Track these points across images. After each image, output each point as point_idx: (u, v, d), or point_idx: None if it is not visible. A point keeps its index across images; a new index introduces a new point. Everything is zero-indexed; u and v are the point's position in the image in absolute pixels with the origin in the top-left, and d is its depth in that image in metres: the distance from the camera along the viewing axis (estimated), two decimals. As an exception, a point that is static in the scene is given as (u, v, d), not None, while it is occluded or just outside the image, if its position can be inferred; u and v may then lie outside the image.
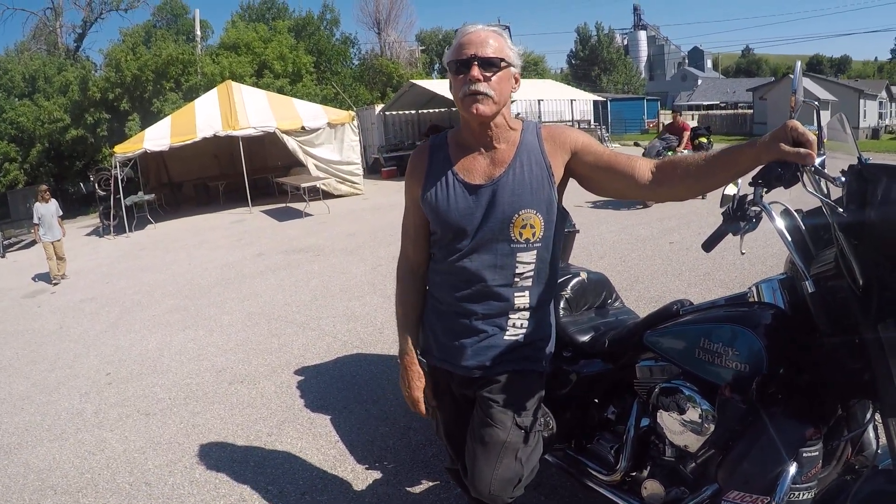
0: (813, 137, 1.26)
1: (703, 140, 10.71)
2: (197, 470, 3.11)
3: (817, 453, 1.43)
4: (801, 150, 1.24)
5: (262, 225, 11.67)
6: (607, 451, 2.03)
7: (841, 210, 1.34)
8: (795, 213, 1.59)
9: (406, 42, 36.85)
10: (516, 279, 1.64)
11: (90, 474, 3.21)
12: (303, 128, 13.43)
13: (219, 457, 3.22)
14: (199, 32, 23.91)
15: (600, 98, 26.42)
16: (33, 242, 9.84)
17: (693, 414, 1.64)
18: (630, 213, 8.68)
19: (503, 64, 1.52)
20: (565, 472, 2.20)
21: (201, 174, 16.37)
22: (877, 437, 1.66)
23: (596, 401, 2.18)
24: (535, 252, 1.62)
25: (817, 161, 1.29)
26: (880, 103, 30.87)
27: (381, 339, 4.69)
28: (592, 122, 23.15)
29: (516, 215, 1.58)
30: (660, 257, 6.17)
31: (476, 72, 1.49)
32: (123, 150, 12.87)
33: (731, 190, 1.54)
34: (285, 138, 13.25)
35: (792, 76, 1.40)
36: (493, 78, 1.51)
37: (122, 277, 8.42)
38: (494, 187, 1.58)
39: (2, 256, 12.29)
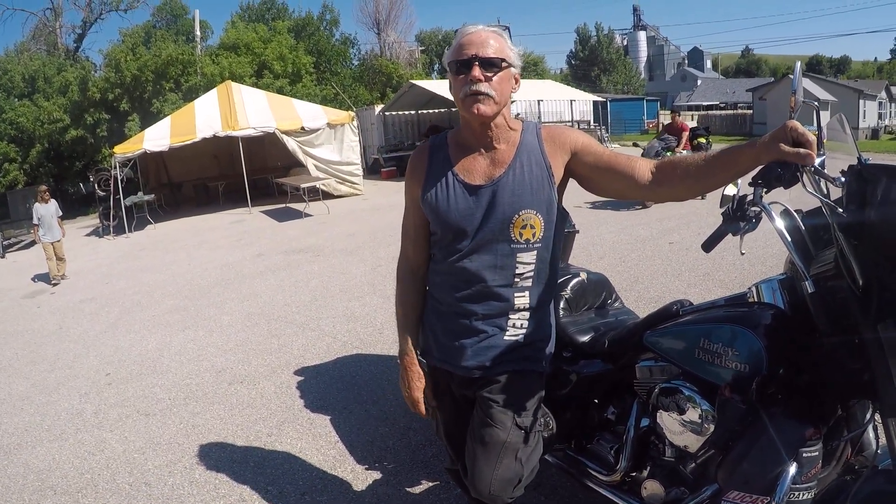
0: (812, 138, 1.26)
1: (702, 140, 10.72)
2: (197, 470, 3.11)
3: (817, 453, 1.43)
4: (801, 150, 1.25)
5: (261, 225, 11.67)
6: (607, 451, 2.03)
7: (841, 210, 1.34)
8: (795, 214, 1.59)
9: (406, 42, 36.91)
10: (516, 279, 1.64)
11: (90, 475, 3.21)
12: (302, 128, 13.44)
13: (218, 457, 3.22)
14: (198, 33, 23.90)
15: (600, 98, 26.44)
16: (33, 243, 9.84)
17: (693, 414, 1.64)
18: (629, 214, 8.68)
19: (504, 64, 1.52)
20: (565, 473, 2.20)
21: (201, 174, 16.38)
22: (876, 438, 1.66)
23: (596, 401, 2.18)
24: (535, 252, 1.62)
25: (817, 161, 1.29)
26: (880, 104, 30.88)
27: (380, 339, 4.69)
28: (592, 122, 23.17)
29: (516, 216, 1.58)
30: (659, 257, 6.17)
31: (477, 72, 1.49)
32: (123, 150, 12.88)
33: (730, 190, 1.54)
34: (285, 139, 13.25)
35: (791, 76, 1.40)
36: (494, 78, 1.51)
37: (122, 278, 8.42)
38: (494, 188, 1.58)
39: (1, 257, 12.29)
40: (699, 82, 59.69)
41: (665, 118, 24.65)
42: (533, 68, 42.71)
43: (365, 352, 4.48)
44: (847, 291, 1.32)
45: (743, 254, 1.93)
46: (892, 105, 32.94)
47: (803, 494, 1.42)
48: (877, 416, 1.49)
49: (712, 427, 1.59)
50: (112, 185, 12.79)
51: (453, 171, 1.63)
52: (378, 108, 20.15)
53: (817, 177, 1.35)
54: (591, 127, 21.92)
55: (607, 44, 57.86)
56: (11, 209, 15.87)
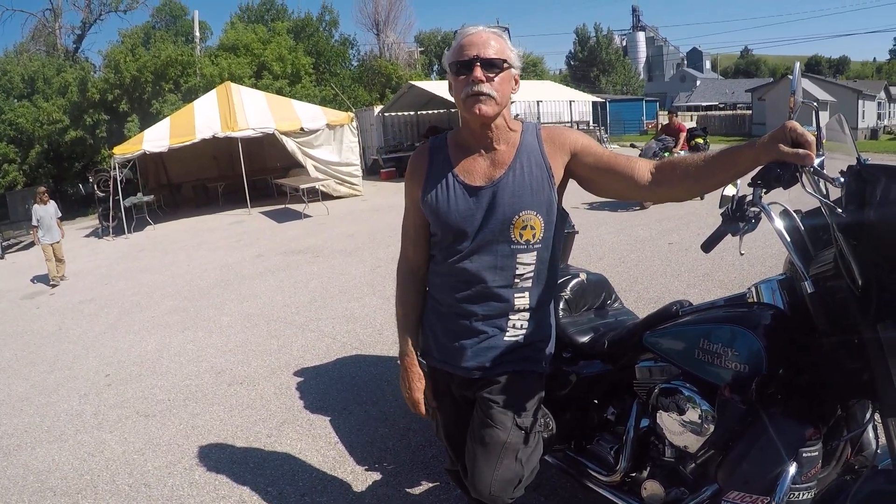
0: (812, 138, 1.26)
1: (700, 141, 10.72)
2: (196, 471, 3.11)
3: (817, 453, 1.43)
4: (800, 150, 1.25)
5: (261, 226, 11.66)
6: (607, 451, 2.03)
7: (840, 210, 1.34)
8: (794, 214, 1.59)
9: (405, 43, 36.90)
10: (516, 280, 1.64)
11: (89, 476, 3.21)
12: (302, 129, 13.44)
13: (218, 458, 3.22)
14: (197, 34, 23.93)
15: (599, 99, 26.46)
16: (32, 244, 9.84)
17: (693, 414, 1.64)
18: (628, 215, 8.69)
19: (505, 65, 1.52)
20: (565, 473, 2.20)
21: (200, 175, 16.37)
22: (876, 437, 1.66)
23: (595, 402, 2.18)
24: (535, 253, 1.63)
25: (816, 162, 1.30)
26: (879, 104, 30.88)
27: (380, 340, 4.69)
28: (591, 123, 23.19)
29: (516, 216, 1.58)
30: (659, 258, 6.17)
31: (479, 73, 1.49)
32: (122, 151, 12.87)
33: (730, 191, 1.54)
34: (284, 139, 13.25)
35: (791, 77, 1.40)
36: (496, 79, 1.51)
37: (121, 279, 8.41)
38: (495, 189, 1.59)
39: (1, 258, 12.29)
40: (698, 83, 59.68)
41: (664, 119, 24.69)
42: (532, 69, 42.73)
43: (364, 353, 4.48)
44: (846, 291, 1.32)
45: (742, 254, 1.93)
46: (891, 105, 32.95)
47: (803, 494, 1.42)
48: (876, 416, 1.49)
49: (712, 427, 1.59)
50: (111, 186, 12.78)
51: (453, 172, 1.63)
52: (377, 108, 20.15)
53: (816, 177, 1.35)
54: (591, 128, 21.94)
55: (606, 44, 57.86)
56: (11, 210, 15.87)
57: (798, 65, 1.48)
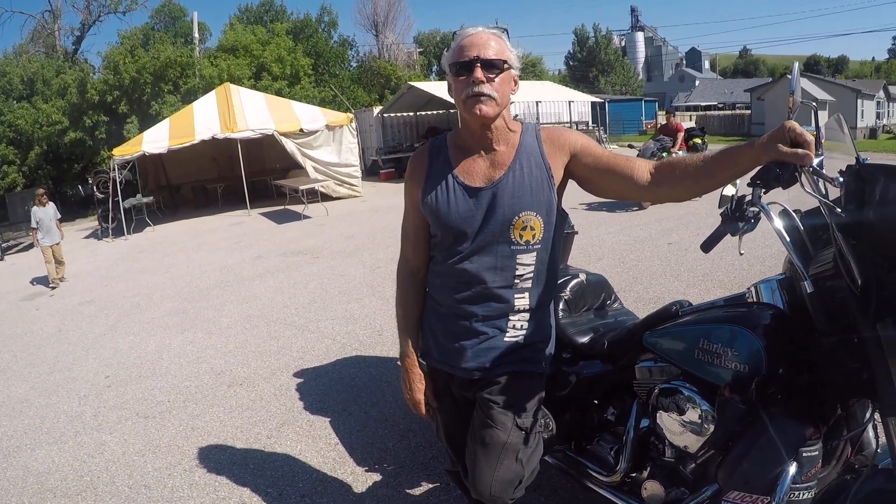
0: (811, 138, 1.26)
1: (698, 141, 10.73)
2: (196, 473, 3.11)
3: (817, 453, 1.43)
4: (799, 150, 1.25)
5: (260, 227, 11.66)
6: (607, 452, 2.03)
7: (839, 210, 1.34)
8: (794, 214, 1.59)
9: (404, 44, 36.91)
10: (516, 281, 1.64)
11: (89, 477, 3.21)
12: (301, 130, 13.44)
13: (218, 459, 3.22)
14: (197, 35, 23.91)
15: (598, 99, 26.47)
16: (32, 245, 9.82)
17: (693, 414, 1.64)
18: (626, 215, 8.69)
19: (505, 66, 1.53)
20: (565, 474, 2.20)
21: (200, 176, 16.37)
22: (876, 437, 1.66)
23: (595, 402, 2.18)
24: (534, 254, 1.63)
25: (815, 161, 1.30)
26: (878, 103, 30.88)
27: (380, 341, 4.68)
28: (590, 123, 23.18)
29: (516, 217, 1.58)
30: (658, 258, 6.17)
31: (479, 73, 1.49)
32: (122, 152, 12.87)
33: (729, 191, 1.54)
34: (283, 140, 13.26)
35: (790, 77, 1.40)
36: (496, 80, 1.51)
37: (121, 280, 8.41)
38: (494, 190, 1.59)
39: (0, 259, 12.28)
40: (697, 83, 59.73)
41: (662, 119, 24.70)
42: (531, 69, 42.73)
43: (364, 354, 4.48)
44: (846, 291, 1.32)
45: (742, 254, 1.93)
46: (890, 104, 32.95)
47: (803, 494, 1.42)
48: (876, 416, 1.49)
49: (712, 427, 1.59)
50: (111, 188, 12.79)
51: (453, 173, 1.63)
52: (376, 109, 20.17)
53: (816, 177, 1.35)
54: (590, 128, 21.95)
55: (605, 45, 57.88)
56: (10, 211, 15.85)
57: (797, 64, 1.48)
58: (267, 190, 15.61)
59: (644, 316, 2.05)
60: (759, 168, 1.35)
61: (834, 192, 1.40)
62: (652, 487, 1.81)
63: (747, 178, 1.41)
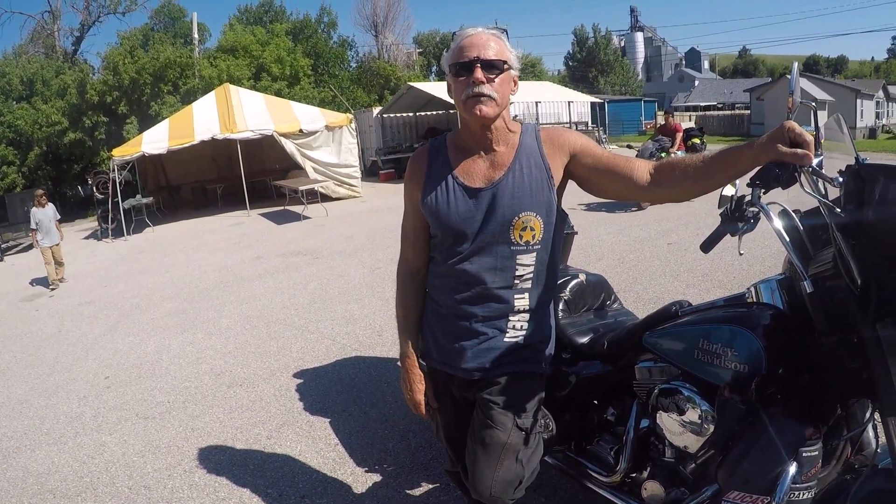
0: (810, 138, 1.27)
1: (696, 141, 10.74)
2: (196, 473, 3.10)
3: (817, 453, 1.43)
4: (799, 150, 1.25)
5: (260, 228, 11.66)
6: (607, 452, 2.03)
7: (838, 210, 1.34)
8: (793, 214, 1.60)
9: (403, 44, 36.94)
10: (516, 281, 1.64)
11: (89, 478, 3.20)
12: (301, 131, 13.44)
13: (218, 460, 3.22)
14: (196, 35, 23.93)
15: (598, 100, 26.47)
16: (31, 246, 9.82)
17: (692, 415, 1.64)
18: (626, 216, 8.69)
19: (505, 66, 1.53)
20: (565, 474, 2.20)
21: (199, 177, 16.37)
22: (876, 437, 1.66)
23: (595, 402, 2.18)
24: (534, 254, 1.63)
25: (815, 161, 1.30)
26: (877, 103, 30.89)
27: (379, 341, 4.68)
28: (590, 123, 23.19)
29: (516, 218, 1.58)
30: (658, 258, 6.17)
31: (479, 74, 1.49)
32: (121, 153, 12.87)
33: (728, 191, 1.54)
34: (283, 141, 13.26)
35: (789, 77, 1.40)
36: (496, 80, 1.51)
37: (121, 281, 8.41)
38: (494, 190, 1.59)
39: (0, 260, 12.28)
40: (696, 83, 59.73)
41: (661, 119, 24.70)
42: (531, 70, 42.74)
43: (364, 354, 4.47)
44: (845, 291, 1.32)
45: (741, 254, 1.93)
46: (890, 104, 32.96)
47: (803, 494, 1.42)
48: (876, 416, 1.49)
49: (712, 427, 1.59)
50: (110, 188, 12.78)
51: (453, 173, 1.63)
52: (376, 110, 20.17)
53: (815, 177, 1.35)
54: (589, 128, 21.94)
55: (605, 45, 57.86)
56: (10, 212, 15.85)
57: (796, 64, 1.48)
58: (266, 190, 15.62)
59: (644, 316, 2.05)
60: (758, 168, 1.35)
61: (833, 193, 1.40)
62: (652, 488, 1.81)
63: (747, 178, 1.41)
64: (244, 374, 4.40)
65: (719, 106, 44.88)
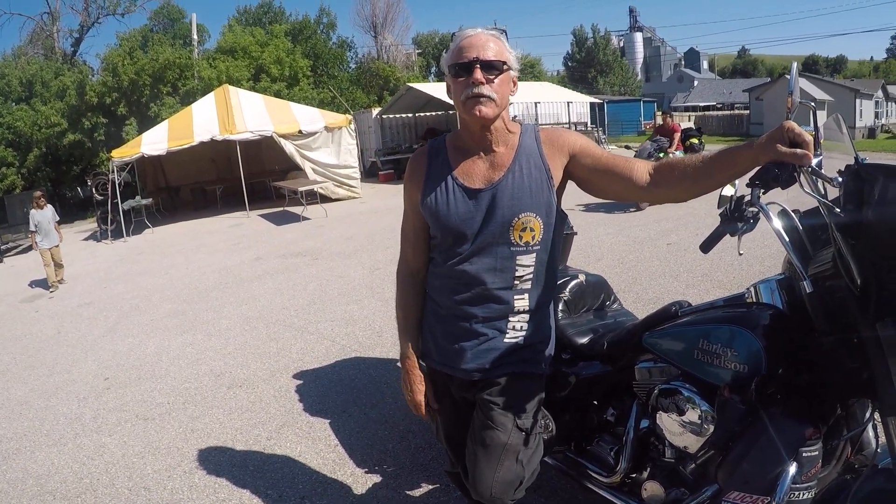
0: (809, 138, 1.27)
1: (695, 141, 10.73)
2: (196, 475, 3.10)
3: (817, 453, 1.43)
4: (798, 150, 1.25)
5: (259, 229, 11.66)
6: (607, 452, 2.03)
7: (838, 210, 1.34)
8: (793, 214, 1.60)
9: (402, 45, 36.94)
10: (516, 282, 1.64)
11: (89, 479, 3.20)
12: (300, 131, 13.45)
13: (218, 461, 3.21)
14: (195, 37, 23.93)
15: (597, 100, 26.48)
16: (31, 247, 9.82)
17: (692, 415, 1.64)
18: (625, 216, 8.69)
19: (504, 67, 1.53)
20: (565, 475, 2.20)
21: (199, 178, 16.38)
22: (876, 436, 1.66)
23: (595, 403, 2.18)
24: (534, 255, 1.63)
25: (814, 161, 1.30)
26: (876, 103, 30.89)
27: (379, 342, 4.68)
28: (589, 124, 23.19)
29: (516, 219, 1.58)
30: (657, 259, 6.17)
31: (478, 74, 1.49)
32: (121, 154, 12.88)
33: (728, 191, 1.54)
34: (282, 142, 13.26)
35: (788, 77, 1.40)
36: (495, 81, 1.51)
37: (120, 282, 8.40)
38: (494, 191, 1.59)
39: (-1, 262, 12.28)
40: (696, 83, 59.70)
41: (660, 119, 24.71)
42: (530, 70, 42.72)
43: (364, 355, 4.47)
44: (845, 291, 1.32)
45: (741, 254, 1.93)
46: (889, 104, 32.96)
47: (803, 494, 1.42)
48: (876, 415, 1.49)
49: (712, 427, 1.59)
50: (110, 190, 12.78)
51: (453, 174, 1.63)
52: (375, 111, 20.18)
53: (814, 177, 1.35)
54: (589, 129, 21.94)
55: (604, 45, 57.86)
56: (9, 214, 15.84)
57: (795, 64, 1.48)
58: (266, 191, 15.62)
59: (643, 316, 2.05)
60: (757, 168, 1.35)
61: (833, 192, 1.40)
62: (652, 488, 1.81)
63: (746, 178, 1.41)
64: (244, 375, 4.40)
65: (718, 106, 44.89)
